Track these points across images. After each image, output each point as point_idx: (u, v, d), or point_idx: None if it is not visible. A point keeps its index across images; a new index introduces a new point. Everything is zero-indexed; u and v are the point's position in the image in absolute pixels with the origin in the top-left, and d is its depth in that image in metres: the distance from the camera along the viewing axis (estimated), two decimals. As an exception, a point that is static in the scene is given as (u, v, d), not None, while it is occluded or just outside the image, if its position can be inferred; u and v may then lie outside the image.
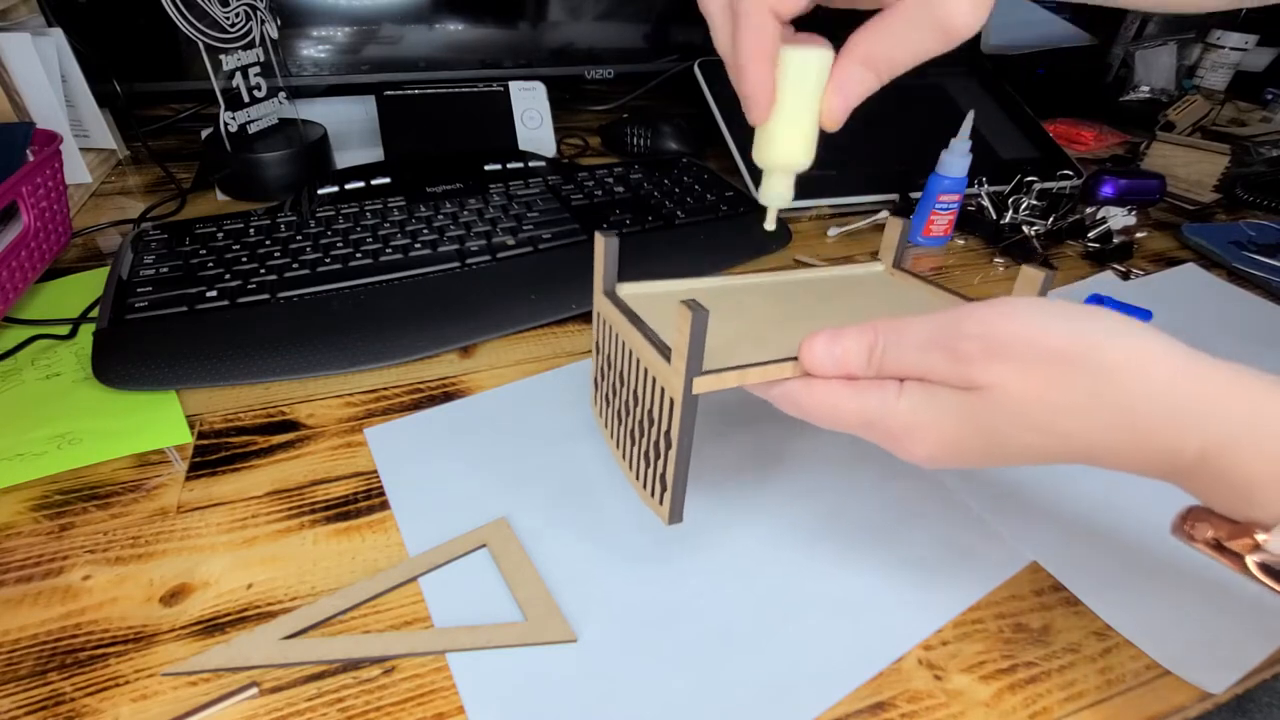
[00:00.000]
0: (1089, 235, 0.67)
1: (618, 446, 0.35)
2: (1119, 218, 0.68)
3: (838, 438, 0.36)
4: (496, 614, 0.31)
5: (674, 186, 0.65)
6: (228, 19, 0.58)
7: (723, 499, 0.37)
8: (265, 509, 0.36)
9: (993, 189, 0.72)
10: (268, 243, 0.52)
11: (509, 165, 0.68)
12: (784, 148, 0.28)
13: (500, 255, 0.54)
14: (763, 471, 0.39)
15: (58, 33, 0.62)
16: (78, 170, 0.64)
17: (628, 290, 0.34)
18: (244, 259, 0.51)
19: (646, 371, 0.29)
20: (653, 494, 0.31)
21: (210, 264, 0.50)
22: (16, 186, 0.47)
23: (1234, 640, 0.32)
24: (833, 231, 0.66)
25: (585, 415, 0.42)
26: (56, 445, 0.38)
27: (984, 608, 0.33)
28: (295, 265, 0.50)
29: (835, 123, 0.28)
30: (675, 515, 0.30)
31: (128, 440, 0.39)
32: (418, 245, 0.53)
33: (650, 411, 0.30)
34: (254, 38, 0.61)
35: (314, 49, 0.73)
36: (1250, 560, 0.22)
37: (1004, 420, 0.24)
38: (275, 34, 0.63)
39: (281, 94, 0.66)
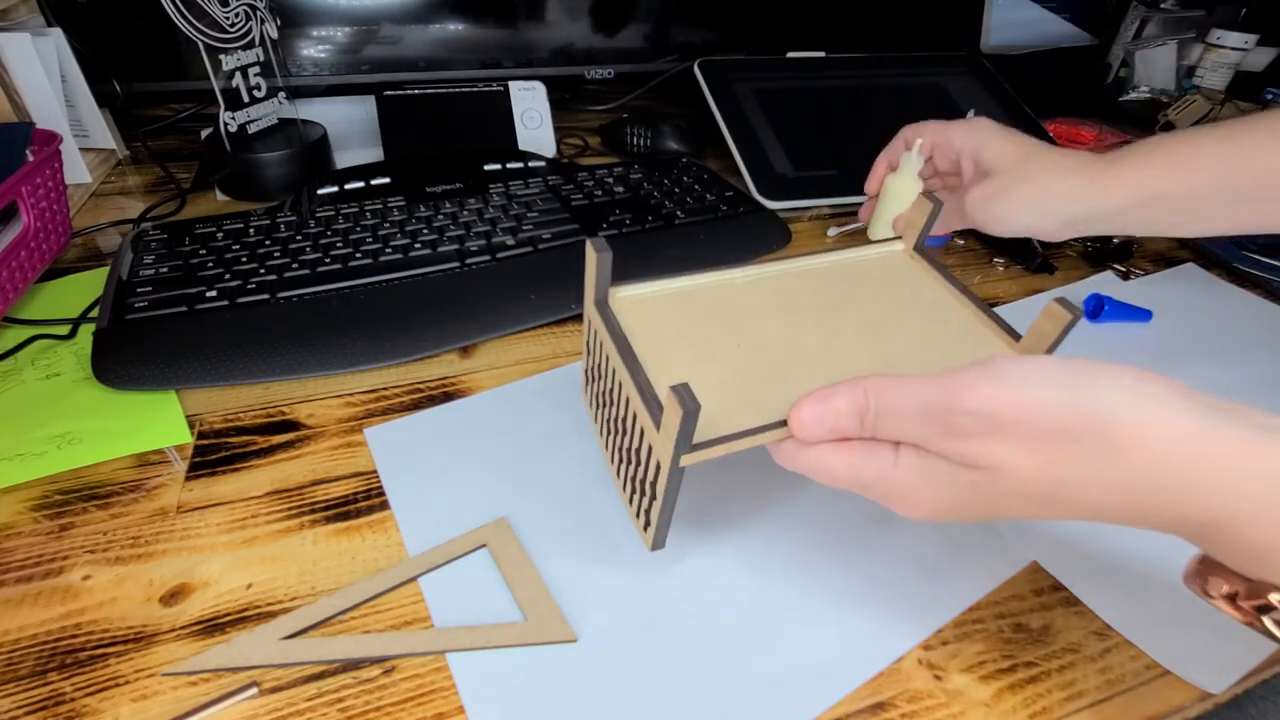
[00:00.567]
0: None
1: (607, 448, 0.34)
2: (1119, 218, 0.68)
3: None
4: (496, 614, 0.31)
5: (674, 186, 0.65)
6: (227, 19, 0.57)
7: (722, 499, 0.37)
8: (265, 509, 0.36)
9: (993, 189, 0.71)
10: (267, 243, 0.52)
11: (509, 165, 0.68)
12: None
13: (500, 255, 0.54)
14: (763, 471, 0.39)
15: (57, 33, 0.62)
16: (78, 170, 0.64)
17: (624, 294, 0.34)
18: (244, 259, 0.51)
19: (635, 417, 0.29)
20: (638, 516, 0.31)
21: (210, 264, 0.50)
22: (16, 186, 0.47)
23: (1234, 640, 0.32)
24: (833, 231, 0.66)
25: (585, 415, 0.42)
26: (56, 445, 0.38)
27: (984, 608, 0.33)
28: (295, 265, 0.50)
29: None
30: (658, 545, 0.31)
31: (128, 440, 0.39)
32: (417, 245, 0.53)
33: (638, 451, 0.29)
34: (254, 38, 0.61)
35: (314, 49, 0.73)
36: (1268, 620, 0.22)
37: (1005, 493, 0.24)
38: (275, 34, 0.63)
39: (281, 94, 0.66)
